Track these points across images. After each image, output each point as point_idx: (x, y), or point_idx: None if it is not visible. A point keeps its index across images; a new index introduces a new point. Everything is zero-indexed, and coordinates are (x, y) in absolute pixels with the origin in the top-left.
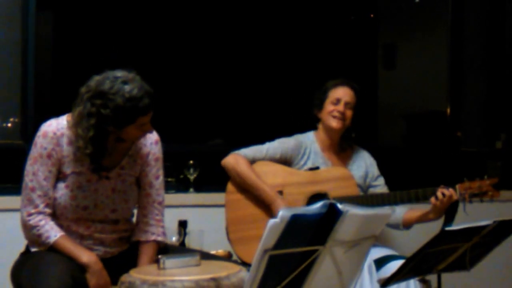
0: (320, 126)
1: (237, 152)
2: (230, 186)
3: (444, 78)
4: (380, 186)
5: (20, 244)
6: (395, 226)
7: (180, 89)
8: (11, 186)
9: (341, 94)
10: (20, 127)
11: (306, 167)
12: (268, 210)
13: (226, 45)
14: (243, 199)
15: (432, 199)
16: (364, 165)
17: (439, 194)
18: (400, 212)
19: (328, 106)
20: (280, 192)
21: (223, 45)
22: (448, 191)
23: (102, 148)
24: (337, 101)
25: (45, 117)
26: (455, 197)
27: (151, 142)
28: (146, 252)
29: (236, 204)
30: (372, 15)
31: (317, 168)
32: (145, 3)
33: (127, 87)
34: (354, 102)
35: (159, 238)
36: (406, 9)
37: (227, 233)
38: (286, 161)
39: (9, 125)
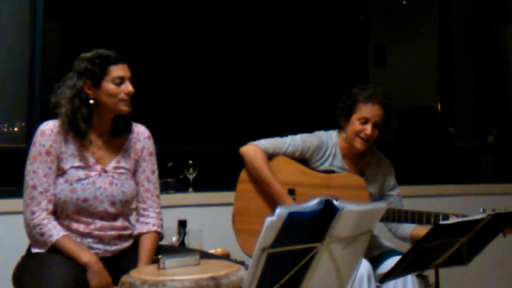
0: (343, 135)
1: (256, 143)
2: (243, 175)
3: (433, 75)
4: (394, 197)
5: (22, 246)
6: (403, 239)
7: (179, 89)
8: (16, 189)
9: (370, 113)
10: (25, 132)
11: (323, 168)
12: (276, 206)
13: (224, 46)
14: (254, 191)
15: None
16: (382, 174)
17: None
18: (410, 226)
19: (355, 124)
20: (292, 191)
21: (222, 47)
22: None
23: (85, 115)
24: (366, 121)
25: None
26: None
27: (144, 137)
28: (148, 242)
29: (246, 194)
30: (362, 17)
31: (332, 172)
32: (150, 11)
33: (101, 50)
34: (382, 120)
35: (160, 230)
36: (395, 10)
37: (233, 222)
38: (304, 158)
39: (16, 129)
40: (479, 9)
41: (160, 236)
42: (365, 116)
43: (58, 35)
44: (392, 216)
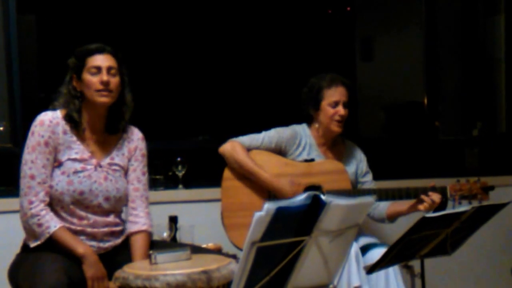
0: (315, 124)
1: (234, 139)
2: (227, 173)
3: (420, 69)
4: (368, 182)
5: (15, 245)
6: (380, 220)
7: (166, 87)
8: (3, 189)
9: (338, 96)
10: (9, 131)
11: (301, 158)
12: (262, 198)
13: (209, 42)
14: (239, 187)
15: (420, 206)
16: (355, 161)
17: (426, 198)
18: (384, 206)
19: (327, 109)
20: None
21: (207, 42)
22: (435, 196)
23: (77, 107)
24: (336, 104)
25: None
26: (437, 201)
27: (138, 138)
28: (140, 243)
29: (231, 191)
30: (349, 9)
31: (312, 160)
32: (130, 3)
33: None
34: (348, 99)
35: (150, 229)
36: (382, 3)
37: (222, 218)
38: (280, 150)
39: (1, 128)
40: (466, 2)
41: (150, 235)
42: (334, 100)
43: (34, 30)
44: (382, 195)
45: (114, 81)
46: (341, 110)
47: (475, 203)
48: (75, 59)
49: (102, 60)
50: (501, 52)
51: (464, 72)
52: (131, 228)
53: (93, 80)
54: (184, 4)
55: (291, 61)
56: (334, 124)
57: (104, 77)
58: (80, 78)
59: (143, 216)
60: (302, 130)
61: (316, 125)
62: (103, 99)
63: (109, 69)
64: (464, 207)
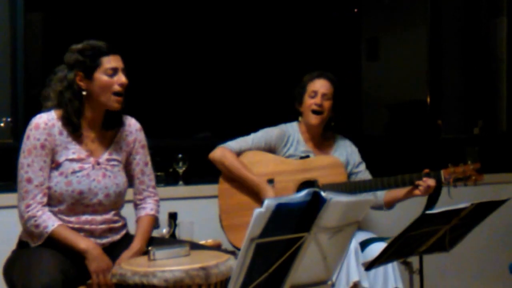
0: (301, 119)
1: (223, 145)
2: (222, 177)
3: (424, 69)
4: (362, 172)
5: (12, 241)
6: (378, 208)
7: (167, 83)
8: (2, 184)
9: (318, 86)
10: (11, 126)
11: (288, 154)
12: (258, 197)
13: (212, 39)
14: (234, 188)
15: (416, 191)
16: (345, 153)
17: (422, 182)
18: (381, 194)
19: (307, 100)
20: (271, 180)
21: (209, 40)
22: (430, 181)
23: (76, 108)
24: (315, 94)
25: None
26: (432, 185)
27: (136, 129)
28: (144, 223)
29: (227, 193)
30: (355, 10)
31: (307, 156)
32: (134, 2)
33: (91, 41)
34: (331, 93)
35: (157, 214)
36: (387, 4)
37: (220, 221)
38: (270, 149)
39: (2, 124)
40: (470, 3)
41: (156, 220)
42: (313, 90)
43: (40, 27)
44: (370, 186)
45: (126, 82)
46: (318, 99)
47: (471, 184)
48: (83, 56)
49: (117, 61)
50: (503, 53)
51: (467, 71)
52: (140, 213)
53: (111, 81)
54: (188, 3)
55: (299, 61)
56: (311, 115)
57: (123, 78)
58: (91, 77)
59: (151, 203)
60: (290, 128)
61: (301, 119)
62: (117, 105)
63: (123, 70)
64: (463, 204)
